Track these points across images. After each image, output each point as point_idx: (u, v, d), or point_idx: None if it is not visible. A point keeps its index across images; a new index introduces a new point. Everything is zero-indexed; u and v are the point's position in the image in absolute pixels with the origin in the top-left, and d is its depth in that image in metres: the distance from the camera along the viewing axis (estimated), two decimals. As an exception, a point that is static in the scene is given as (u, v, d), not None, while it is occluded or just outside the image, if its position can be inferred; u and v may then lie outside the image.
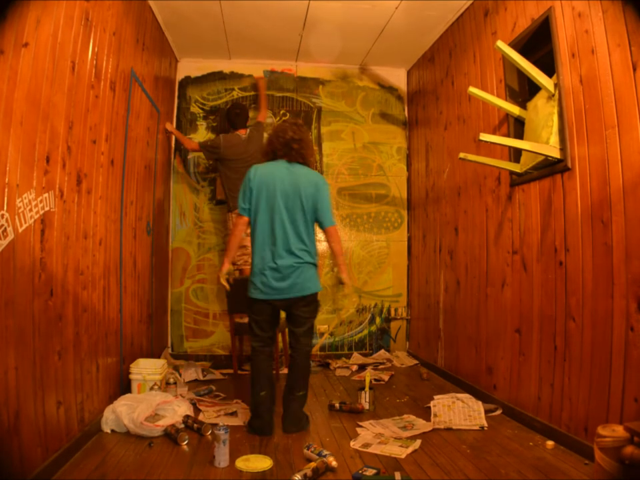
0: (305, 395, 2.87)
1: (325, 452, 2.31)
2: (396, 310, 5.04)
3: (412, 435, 2.71)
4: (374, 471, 2.20)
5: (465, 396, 3.07)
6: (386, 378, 4.00)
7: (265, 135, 4.40)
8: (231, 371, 4.16)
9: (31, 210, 1.98)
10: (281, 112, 5.02)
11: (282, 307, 2.83)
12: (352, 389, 3.65)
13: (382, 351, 4.88)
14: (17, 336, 1.88)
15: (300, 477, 2.07)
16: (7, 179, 1.82)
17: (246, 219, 2.85)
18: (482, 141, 2.62)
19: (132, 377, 3.09)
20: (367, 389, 3.20)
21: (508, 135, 3.10)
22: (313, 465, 2.17)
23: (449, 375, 3.98)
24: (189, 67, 4.95)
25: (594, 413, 2.31)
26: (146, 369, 3.12)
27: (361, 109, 5.13)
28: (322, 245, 4.99)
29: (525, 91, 3.09)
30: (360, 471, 2.21)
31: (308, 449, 2.38)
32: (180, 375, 3.76)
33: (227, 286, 2.88)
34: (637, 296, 2.08)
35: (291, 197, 2.78)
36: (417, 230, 4.88)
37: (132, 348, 3.41)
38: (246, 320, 3.80)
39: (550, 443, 2.53)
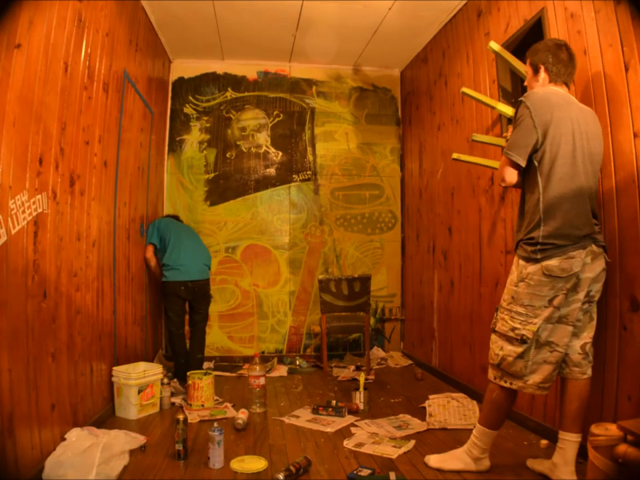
0: None
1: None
2: (390, 310, 5.05)
3: (407, 434, 2.72)
4: (369, 471, 2.21)
5: (460, 395, 3.08)
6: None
7: None
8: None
9: (23, 212, 1.97)
10: (274, 112, 5.02)
11: None
12: (346, 389, 3.66)
13: (376, 350, 4.90)
14: (10, 338, 1.87)
15: (282, 477, 2.09)
16: (-1, 181, 1.81)
17: None
18: (475, 141, 2.64)
19: (113, 379, 3.05)
20: (361, 389, 3.21)
21: (501, 135, 3.11)
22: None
23: (444, 375, 3.99)
24: (182, 68, 4.94)
25: (587, 411, 2.32)
26: (122, 373, 3.04)
27: (355, 109, 5.14)
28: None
29: (517, 91, 3.11)
30: (355, 471, 2.21)
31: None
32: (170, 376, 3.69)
33: None
34: (630, 295, 2.10)
35: None
36: (411, 230, 4.90)
37: (126, 350, 3.39)
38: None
39: (544, 442, 2.54)
